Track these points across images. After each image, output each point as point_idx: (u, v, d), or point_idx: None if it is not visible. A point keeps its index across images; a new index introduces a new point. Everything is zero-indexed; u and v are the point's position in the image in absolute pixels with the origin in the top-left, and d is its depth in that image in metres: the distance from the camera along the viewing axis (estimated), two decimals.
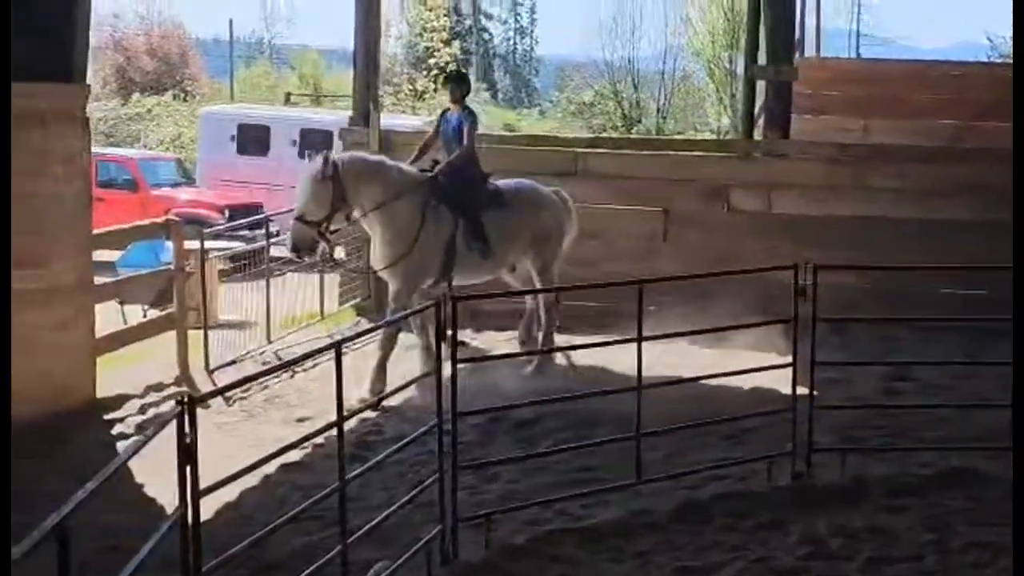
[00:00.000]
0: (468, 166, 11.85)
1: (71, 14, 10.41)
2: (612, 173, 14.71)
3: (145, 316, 12.88)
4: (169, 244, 12.56)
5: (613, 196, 14.47)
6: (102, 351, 10.96)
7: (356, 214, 11.39)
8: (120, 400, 10.61)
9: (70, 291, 10.36)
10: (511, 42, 56.59)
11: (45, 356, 9.91)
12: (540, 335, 12.18)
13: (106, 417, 10.17)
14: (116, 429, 9.91)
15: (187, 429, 4.74)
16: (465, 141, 11.76)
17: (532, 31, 56.96)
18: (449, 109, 12.17)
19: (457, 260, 11.60)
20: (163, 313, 12.49)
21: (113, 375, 10.97)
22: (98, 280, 11.21)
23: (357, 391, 10.00)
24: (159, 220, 13.58)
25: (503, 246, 11.79)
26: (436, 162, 11.84)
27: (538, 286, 12.08)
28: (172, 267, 12.12)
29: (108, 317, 11.90)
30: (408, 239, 11.28)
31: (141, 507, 7.13)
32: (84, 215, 10.67)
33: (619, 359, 9.46)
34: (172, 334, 11.70)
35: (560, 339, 12.17)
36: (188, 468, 4.78)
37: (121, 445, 9.39)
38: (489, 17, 55.09)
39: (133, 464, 5.48)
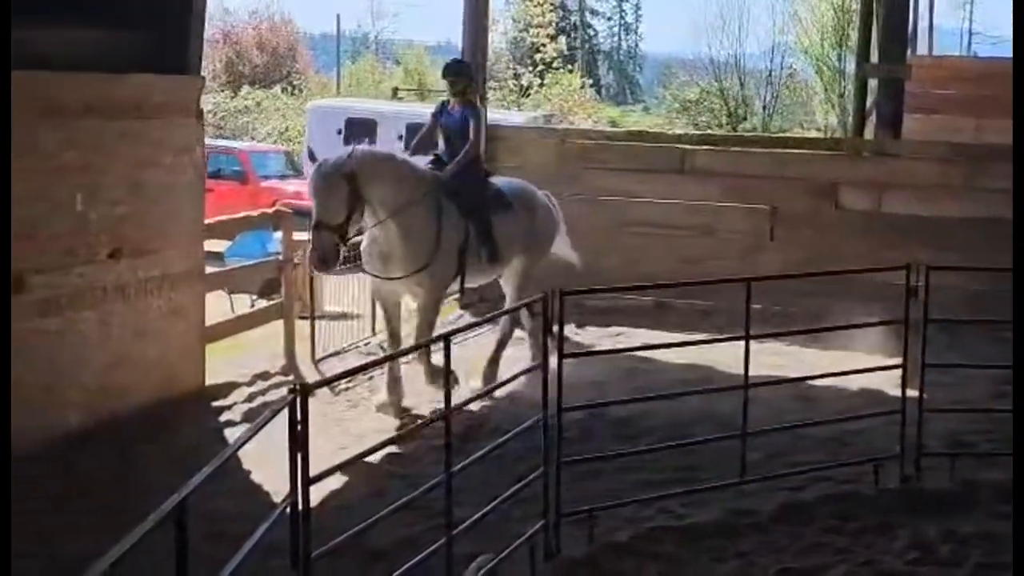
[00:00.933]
0: (474, 166, 11.14)
1: (188, 8, 10.58)
2: (719, 170, 14.57)
3: (253, 306, 13.06)
4: (277, 235, 12.70)
5: (720, 194, 14.36)
6: (211, 339, 11.13)
7: (367, 217, 10.23)
8: (228, 388, 10.76)
9: (182, 280, 10.52)
10: (616, 38, 56.42)
11: (156, 344, 10.11)
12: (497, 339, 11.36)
13: (214, 404, 10.32)
14: (224, 417, 10.05)
15: (299, 417, 4.81)
16: (471, 138, 10.93)
17: (637, 27, 56.77)
18: (448, 102, 11.32)
19: (468, 265, 10.86)
20: (270, 303, 12.64)
21: (221, 363, 11.13)
22: (208, 270, 11.34)
23: (463, 383, 10.01)
24: (268, 211, 13.76)
25: (508, 249, 11.11)
26: (438, 158, 11.12)
27: (514, 289, 11.52)
28: (280, 257, 12.27)
29: (217, 306, 12.05)
30: (429, 244, 10.39)
31: (248, 494, 7.22)
32: (196, 205, 10.85)
33: (721, 358, 9.38)
34: (279, 324, 11.86)
35: (664, 336, 11.92)
36: (299, 456, 4.84)
37: (229, 432, 9.54)
38: (594, 13, 54.95)
39: (241, 451, 5.56)
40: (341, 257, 10.10)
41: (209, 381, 10.83)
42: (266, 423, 4.95)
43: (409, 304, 11.07)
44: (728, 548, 7.35)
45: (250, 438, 4.99)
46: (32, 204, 8.87)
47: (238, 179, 21.92)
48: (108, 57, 9.88)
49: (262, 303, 13.04)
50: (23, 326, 8.74)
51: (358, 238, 10.51)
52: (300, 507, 4.90)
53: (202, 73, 11.09)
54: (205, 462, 4.46)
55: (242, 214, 14.08)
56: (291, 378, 10.46)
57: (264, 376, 11.09)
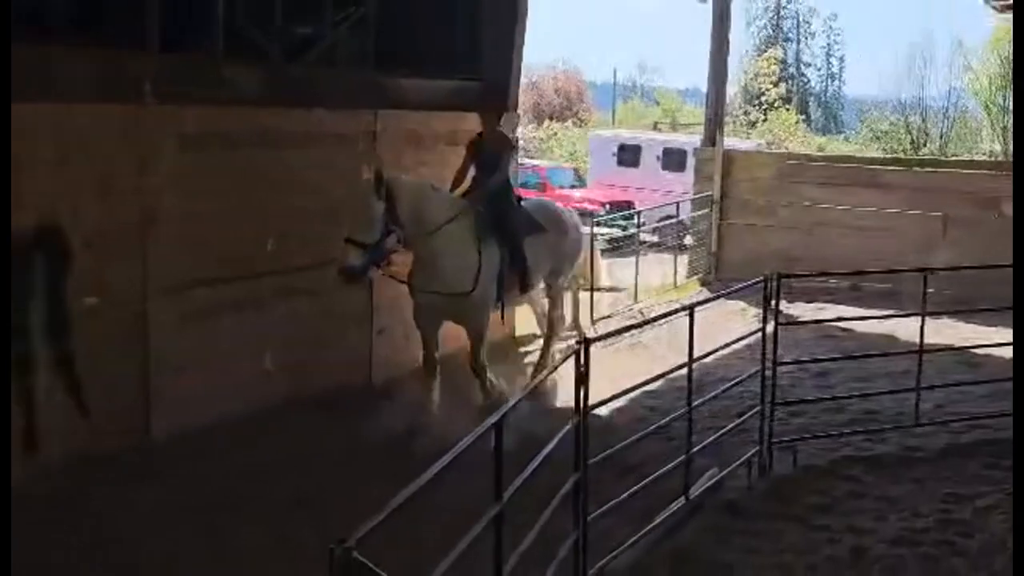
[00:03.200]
0: (504, 192, 8.76)
1: (508, 67, 10.79)
2: (902, 185, 13.92)
3: None
4: None
5: (903, 203, 13.71)
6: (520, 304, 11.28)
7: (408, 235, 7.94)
8: (530, 338, 10.91)
9: None
10: (824, 83, 54.60)
11: None
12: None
13: (521, 350, 10.55)
14: (527, 359, 10.25)
15: (582, 361, 4.87)
16: (500, 168, 8.59)
17: (840, 75, 54.79)
18: (482, 135, 8.73)
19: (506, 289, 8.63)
20: None
21: (527, 320, 11.32)
22: None
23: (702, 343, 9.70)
24: None
25: (537, 273, 9.00)
26: (472, 188, 8.66)
27: (547, 304, 9.70)
28: None
29: None
30: (471, 267, 8.18)
31: (547, 415, 7.34)
32: None
33: (901, 330, 9.10)
34: (568, 294, 11.96)
35: (857, 312, 11.42)
36: (582, 389, 4.90)
37: (530, 370, 9.74)
38: (807, 65, 53.36)
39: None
40: (369, 273, 7.79)
41: (518, 333, 10.97)
42: (561, 365, 5.03)
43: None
44: (903, 475, 7.09)
45: (548, 375, 5.08)
46: None
47: (538, 188, 22.16)
48: (457, 100, 10.17)
49: None
50: (389, 290, 9.13)
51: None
52: (581, 427, 4.96)
53: (517, 111, 11.26)
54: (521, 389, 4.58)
55: None
56: (576, 333, 10.54)
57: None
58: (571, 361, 4.89)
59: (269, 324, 8.18)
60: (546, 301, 9.72)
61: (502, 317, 8.85)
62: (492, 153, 8.54)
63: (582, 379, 4.87)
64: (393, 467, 5.27)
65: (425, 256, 8.13)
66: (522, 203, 9.07)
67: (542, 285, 9.37)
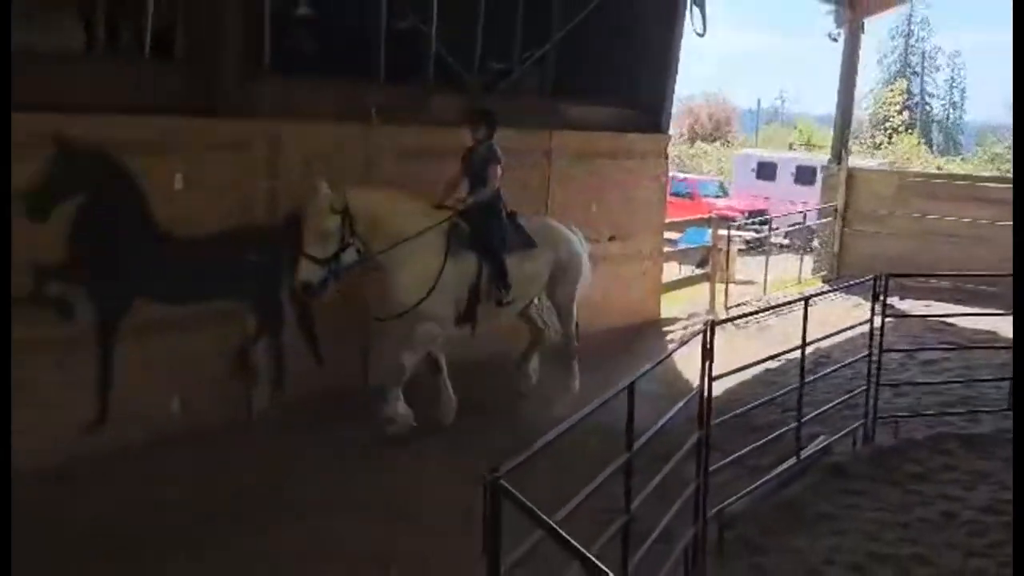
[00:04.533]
0: (492, 205, 6.96)
1: (663, 95, 10.64)
2: (1004, 199, 12.83)
3: (692, 273, 13.01)
4: (709, 231, 12.56)
5: (1005, 215, 12.71)
6: (664, 290, 11.13)
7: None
8: (672, 320, 10.74)
9: (648, 254, 10.58)
10: (946, 111, 51.21)
11: (632, 291, 10.27)
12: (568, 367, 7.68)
13: (663, 329, 10.41)
14: (668, 336, 10.11)
15: (709, 338, 4.79)
16: (488, 180, 6.89)
17: (962, 104, 51.31)
18: (474, 148, 7.02)
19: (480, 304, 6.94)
20: (702, 272, 12.56)
21: (670, 305, 11.17)
22: (666, 249, 11.44)
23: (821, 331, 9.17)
24: (705, 217, 13.64)
25: (524, 289, 7.18)
26: (460, 201, 6.99)
27: (561, 318, 7.66)
28: (710, 245, 12.13)
29: (669, 271, 12.10)
30: (427, 278, 6.54)
31: (674, 383, 7.22)
32: (660, 211, 10.83)
33: (1001, 326, 8.33)
34: (706, 285, 11.75)
35: (961, 309, 10.56)
36: (708, 362, 4.82)
37: (670, 345, 9.59)
38: (931, 95, 50.17)
39: (676, 356, 5.58)
40: (330, 288, 6.32)
41: (662, 315, 10.82)
42: (689, 341, 4.95)
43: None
44: (995, 452, 6.59)
45: (679, 347, 5.00)
46: (569, 206, 9.15)
47: (688, 197, 21.70)
48: (617, 123, 10.11)
49: (698, 271, 12.94)
50: None
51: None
52: (705, 393, 4.88)
53: (670, 132, 11.08)
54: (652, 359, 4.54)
55: (688, 218, 14.18)
56: (709, 316, 10.34)
57: (694, 315, 10.96)
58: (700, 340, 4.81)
59: None
60: (551, 317, 7.74)
61: (472, 331, 6.94)
62: (481, 165, 6.92)
63: (708, 354, 4.78)
64: None
65: (382, 270, 6.53)
66: (518, 219, 7.19)
67: (534, 302, 7.52)
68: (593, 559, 2.28)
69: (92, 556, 4.81)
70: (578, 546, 2.38)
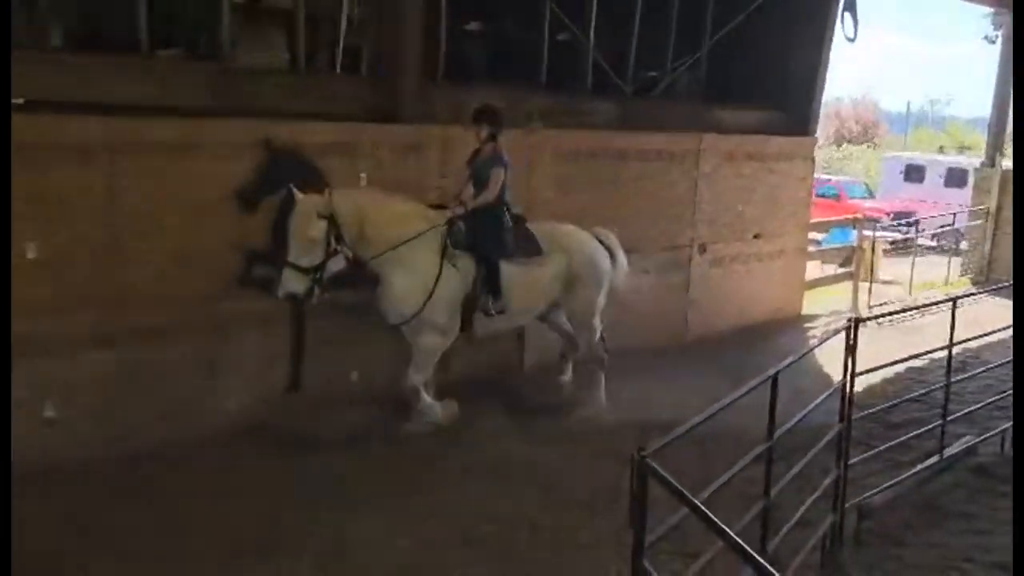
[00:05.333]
0: (493, 212, 6.10)
1: (811, 100, 10.21)
2: None
3: (835, 272, 12.43)
4: (854, 232, 11.96)
5: None
6: (807, 288, 10.69)
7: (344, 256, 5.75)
8: (814, 317, 10.30)
9: (793, 253, 10.21)
10: None
11: (775, 288, 9.95)
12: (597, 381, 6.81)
13: (805, 325, 10.00)
14: (809, 332, 9.70)
15: (853, 336, 4.58)
16: (489, 184, 6.03)
17: None
18: (480, 150, 6.17)
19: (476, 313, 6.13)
20: (845, 271, 11.97)
21: (812, 302, 10.72)
22: (810, 248, 10.99)
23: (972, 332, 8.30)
24: (850, 217, 12.96)
25: (525, 300, 6.30)
26: (461, 205, 6.08)
27: (576, 329, 6.72)
28: (855, 245, 11.53)
29: (813, 270, 11.60)
30: (424, 285, 5.84)
31: (816, 378, 6.94)
32: (805, 210, 10.42)
33: None
34: (849, 283, 11.19)
35: None
36: (850, 358, 4.61)
37: (811, 341, 9.20)
38: None
39: (818, 352, 5.37)
40: (314, 298, 5.66)
41: (804, 312, 10.41)
42: (831, 337, 4.76)
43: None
44: None
45: (821, 343, 4.82)
46: (716, 206, 9.08)
47: (834, 198, 20.66)
48: (765, 126, 9.80)
49: (841, 270, 12.34)
50: (704, 271, 9.05)
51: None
52: (847, 389, 4.67)
53: (816, 135, 10.61)
54: (793, 354, 4.39)
55: (833, 218, 13.56)
56: (852, 314, 9.85)
57: (836, 312, 10.46)
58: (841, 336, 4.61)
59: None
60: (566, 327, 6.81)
61: (469, 342, 6.23)
62: (482, 168, 6.10)
63: (851, 350, 4.58)
64: None
65: (381, 278, 5.88)
66: (528, 224, 6.37)
67: (537, 310, 6.53)
68: (735, 537, 2.25)
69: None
70: (721, 525, 2.35)
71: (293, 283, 5.53)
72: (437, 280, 5.83)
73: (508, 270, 6.11)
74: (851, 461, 4.79)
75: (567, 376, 6.90)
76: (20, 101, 5.10)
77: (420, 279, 5.82)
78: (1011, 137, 9.16)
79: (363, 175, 6.48)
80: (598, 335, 6.73)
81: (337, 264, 5.66)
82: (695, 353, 8.19)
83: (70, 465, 5.08)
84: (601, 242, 6.73)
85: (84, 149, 5.22)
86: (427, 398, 6.03)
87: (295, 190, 5.50)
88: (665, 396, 6.83)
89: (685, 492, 2.59)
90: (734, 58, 9.67)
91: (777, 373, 3.81)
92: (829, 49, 10.09)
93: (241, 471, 5.31)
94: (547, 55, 8.21)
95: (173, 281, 5.64)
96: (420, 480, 5.44)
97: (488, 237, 6.06)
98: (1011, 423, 6.14)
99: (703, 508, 2.50)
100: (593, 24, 8.44)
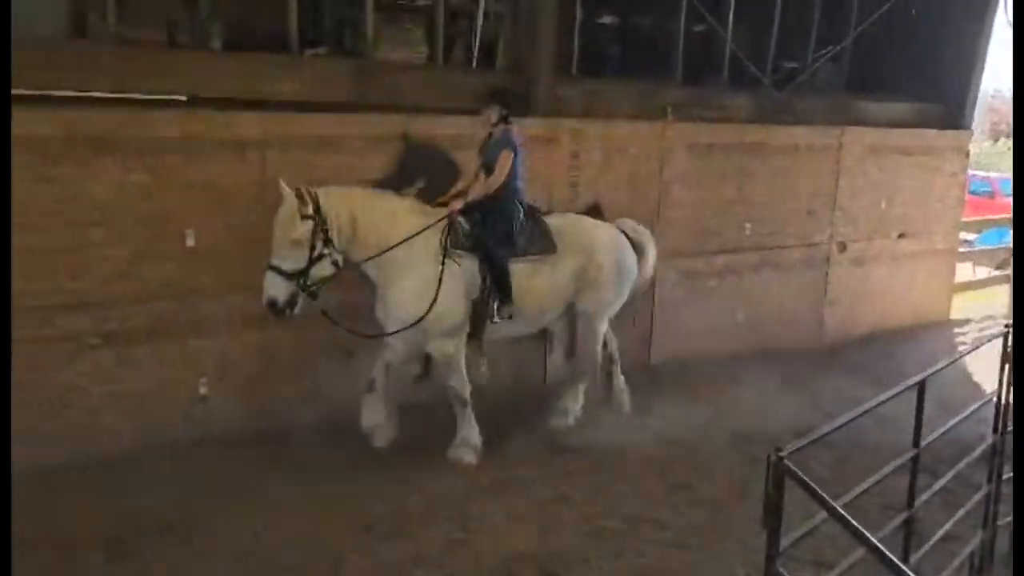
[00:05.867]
0: (502, 205, 5.48)
1: (968, 91, 9.58)
2: None
3: (989, 275, 11.61)
4: (1010, 232, 11.13)
5: None
6: (957, 291, 10.06)
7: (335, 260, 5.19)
8: (963, 322, 9.69)
9: (941, 253, 9.63)
10: None
11: (920, 290, 9.42)
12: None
13: (954, 330, 9.41)
14: (958, 338, 9.12)
15: (1009, 344, 4.27)
16: (496, 172, 5.42)
17: None
18: (491, 134, 5.55)
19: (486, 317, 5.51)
20: (1000, 273, 11.16)
21: (961, 306, 10.07)
22: (961, 249, 10.31)
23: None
24: (1007, 217, 11.97)
25: (535, 304, 5.65)
26: (462, 198, 5.47)
27: (584, 333, 6.04)
28: (1010, 246, 10.74)
29: (964, 272, 10.89)
30: (425, 296, 5.23)
31: (966, 384, 6.48)
32: (958, 209, 9.79)
33: None
34: (1004, 288, 10.42)
35: None
36: (1007, 365, 4.31)
37: (961, 347, 8.65)
38: None
39: (969, 359, 5.05)
40: (297, 308, 5.10)
41: (952, 316, 9.80)
42: (984, 344, 4.46)
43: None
44: None
45: (973, 350, 4.53)
46: (858, 202, 8.67)
47: (988, 196, 19.34)
48: (915, 118, 9.28)
49: (995, 273, 11.51)
50: (843, 270, 8.68)
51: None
52: (1002, 399, 4.36)
53: (972, 128, 9.94)
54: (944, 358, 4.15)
55: (987, 217, 12.77)
56: (1007, 320, 9.17)
57: (989, 317, 9.80)
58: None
59: (744, 289, 8.12)
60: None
61: (481, 350, 5.64)
62: (492, 155, 5.49)
63: (1008, 359, 4.28)
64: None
65: (376, 283, 5.35)
66: (543, 217, 5.76)
67: (554, 313, 5.87)
68: (879, 545, 2.15)
69: None
70: (864, 531, 2.25)
71: (274, 288, 4.96)
72: (439, 284, 5.21)
73: (519, 270, 5.47)
74: (1005, 476, 4.47)
75: (620, 387, 6.26)
76: (183, 98, 5.50)
77: (419, 283, 5.21)
78: None
79: None
80: (600, 342, 6.01)
81: (324, 269, 5.08)
82: (832, 356, 7.86)
83: (221, 438, 5.44)
84: (628, 236, 6.06)
85: (240, 143, 5.54)
86: (471, 420, 5.52)
87: (283, 186, 4.90)
88: (794, 400, 6.62)
89: (825, 495, 2.50)
90: (884, 46, 9.19)
91: (924, 379, 3.60)
92: (990, 37, 9.43)
93: (372, 452, 5.52)
94: (682, 47, 8.07)
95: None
96: (549, 471, 5.47)
97: (495, 234, 5.41)
98: None
99: (843, 513, 2.40)
100: (732, 14, 8.23)
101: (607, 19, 8.70)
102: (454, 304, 5.32)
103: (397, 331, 5.30)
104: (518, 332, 5.80)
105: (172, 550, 4.39)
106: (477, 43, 7.24)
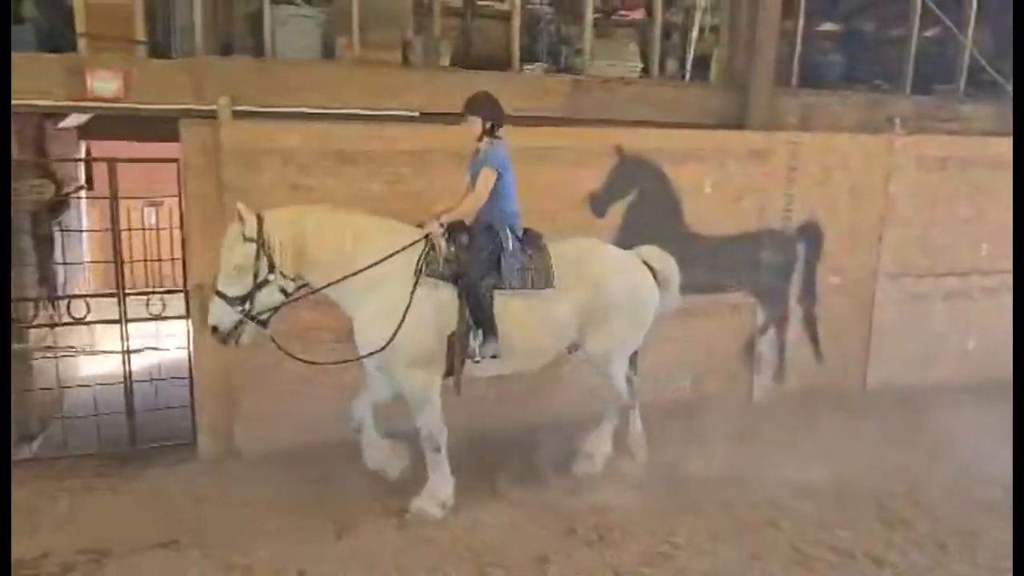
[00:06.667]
0: (488, 229, 4.88)
1: None
2: None
3: None
4: None
5: None
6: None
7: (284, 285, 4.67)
8: None
9: None
10: None
11: None
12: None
13: None
14: None
15: None
16: (476, 190, 4.82)
17: None
18: (478, 149, 4.94)
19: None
20: None
21: None
22: None
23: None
24: None
25: (525, 344, 4.95)
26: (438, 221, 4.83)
27: (605, 373, 5.30)
28: None
29: None
30: (391, 318, 4.66)
31: None
32: None
33: None
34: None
35: None
36: None
37: None
38: None
39: None
40: (246, 333, 4.64)
41: None
42: None
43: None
44: None
45: None
46: None
47: None
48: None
49: None
50: None
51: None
52: None
53: None
54: None
55: None
56: None
57: None
58: None
59: (976, 315, 7.46)
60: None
61: (457, 390, 4.88)
62: (475, 174, 4.91)
63: None
64: None
65: (346, 311, 4.83)
66: (543, 243, 5.06)
67: (548, 354, 5.15)
68: None
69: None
70: None
71: (218, 314, 4.58)
72: (406, 310, 4.65)
73: (508, 304, 4.84)
74: None
75: (635, 432, 5.57)
76: (415, 113, 5.89)
77: (385, 308, 4.67)
78: None
79: (708, 182, 6.50)
80: (622, 380, 5.38)
81: (271, 296, 4.62)
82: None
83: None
84: (650, 266, 5.34)
85: (462, 155, 5.84)
86: (443, 469, 4.93)
87: (240, 206, 4.53)
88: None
89: None
90: None
91: None
92: None
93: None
94: (915, 62, 7.55)
95: None
96: (753, 495, 5.32)
97: (478, 262, 4.78)
98: None
99: None
100: (973, 17, 7.59)
101: (828, 26, 8.32)
102: (422, 334, 4.70)
103: (355, 359, 4.78)
104: (512, 371, 5.08)
105: None
106: (691, 57, 7.19)
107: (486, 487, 5.25)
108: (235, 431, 5.65)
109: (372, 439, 5.10)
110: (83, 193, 6.42)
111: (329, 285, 4.68)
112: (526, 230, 5.02)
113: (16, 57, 5.13)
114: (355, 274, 4.63)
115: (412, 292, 4.66)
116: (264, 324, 4.64)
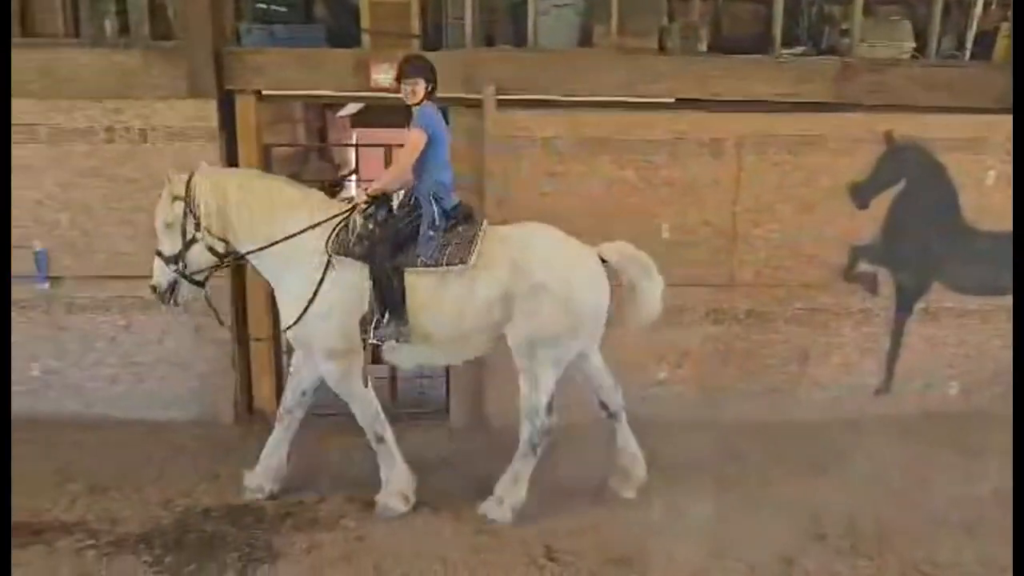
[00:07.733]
0: (406, 199, 4.49)
1: None
2: None
3: None
4: None
5: None
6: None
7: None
8: None
9: None
10: None
11: None
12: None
13: None
14: None
15: None
16: (401, 156, 4.45)
17: None
18: (412, 113, 4.47)
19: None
20: None
21: None
22: None
23: None
24: None
25: (447, 326, 4.42)
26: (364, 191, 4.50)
27: (523, 381, 4.48)
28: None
29: None
30: (300, 301, 4.43)
31: None
32: None
33: None
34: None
35: None
36: None
37: None
38: None
39: None
40: (184, 292, 4.56)
41: None
42: None
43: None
44: None
45: None
46: None
47: None
48: None
49: None
50: None
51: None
52: None
53: None
54: None
55: None
56: None
57: None
58: None
59: None
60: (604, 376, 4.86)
61: (364, 381, 4.54)
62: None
63: None
64: None
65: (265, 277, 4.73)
66: (476, 221, 4.60)
67: (477, 343, 4.59)
68: None
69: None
70: None
71: (157, 273, 4.59)
72: (315, 292, 4.45)
73: (419, 282, 4.44)
74: None
75: (625, 446, 4.91)
76: (671, 100, 5.83)
77: (298, 286, 4.50)
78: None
79: (992, 172, 5.91)
80: (544, 396, 4.56)
81: (201, 256, 4.56)
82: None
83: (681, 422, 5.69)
84: (627, 266, 4.57)
85: (718, 143, 5.74)
86: (394, 459, 4.71)
87: (169, 171, 4.61)
88: None
89: None
90: None
91: None
92: None
93: (834, 454, 5.36)
94: None
95: (777, 269, 5.92)
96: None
97: (392, 237, 4.44)
98: None
99: None
100: None
101: None
102: (329, 319, 4.46)
103: (282, 331, 4.67)
104: (430, 361, 4.75)
105: None
106: (972, 35, 6.52)
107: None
108: (485, 401, 5.92)
109: (274, 442, 4.89)
110: (353, 177, 6.98)
111: (249, 253, 4.57)
112: (459, 203, 4.62)
113: (311, 53, 5.68)
114: (270, 245, 4.50)
115: (324, 272, 4.45)
116: (201, 284, 4.61)
